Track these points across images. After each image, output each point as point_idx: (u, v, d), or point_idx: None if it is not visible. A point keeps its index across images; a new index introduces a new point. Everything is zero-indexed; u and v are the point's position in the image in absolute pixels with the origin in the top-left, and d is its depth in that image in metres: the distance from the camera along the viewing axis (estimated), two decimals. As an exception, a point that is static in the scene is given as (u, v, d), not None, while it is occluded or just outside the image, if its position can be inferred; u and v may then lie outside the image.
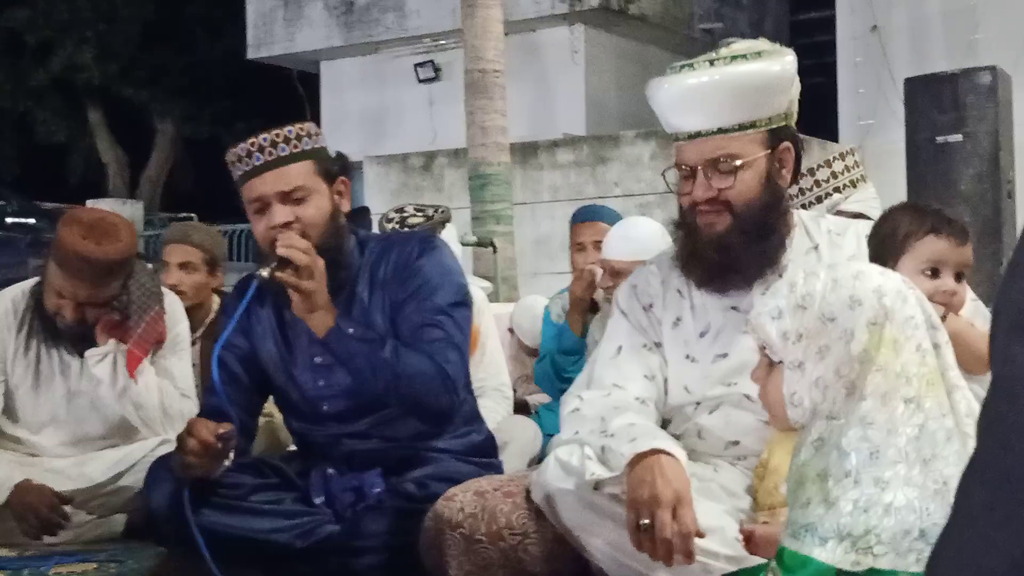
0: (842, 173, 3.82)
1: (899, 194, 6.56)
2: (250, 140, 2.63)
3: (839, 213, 3.62)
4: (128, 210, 14.98)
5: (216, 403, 2.68)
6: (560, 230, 12.17)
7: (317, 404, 2.80)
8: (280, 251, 2.51)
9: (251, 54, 17.12)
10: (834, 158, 3.85)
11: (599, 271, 3.94)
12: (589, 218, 4.39)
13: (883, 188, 4.00)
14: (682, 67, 2.28)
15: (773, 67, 2.25)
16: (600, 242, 4.11)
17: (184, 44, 20.99)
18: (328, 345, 2.61)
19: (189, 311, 4.05)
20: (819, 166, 3.84)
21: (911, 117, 7.30)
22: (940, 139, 7.01)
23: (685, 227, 2.34)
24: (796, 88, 2.33)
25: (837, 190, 3.79)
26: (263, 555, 2.67)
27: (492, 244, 8.38)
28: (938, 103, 7.08)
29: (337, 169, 2.75)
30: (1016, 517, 0.66)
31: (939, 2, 11.97)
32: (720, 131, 2.23)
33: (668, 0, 15.26)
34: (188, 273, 4.04)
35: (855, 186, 3.81)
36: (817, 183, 3.76)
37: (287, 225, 2.61)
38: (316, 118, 16.05)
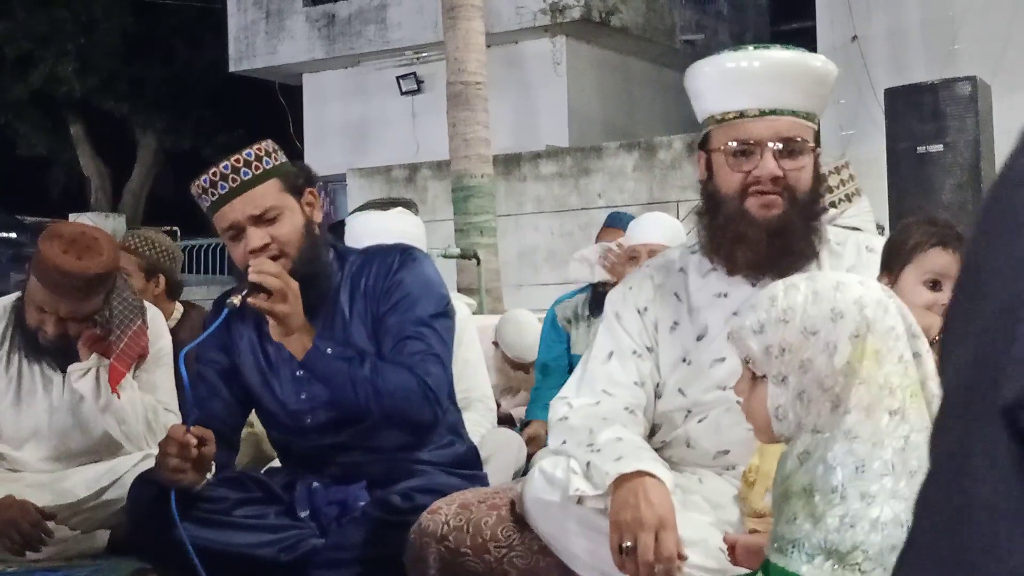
0: (837, 187, 3.81)
1: (880, 204, 6.59)
2: (212, 170, 2.64)
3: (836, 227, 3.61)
4: (110, 223, 14.97)
5: (192, 414, 2.69)
6: (544, 241, 12.21)
7: (300, 417, 2.79)
8: (252, 277, 2.51)
9: (233, 67, 17.12)
10: (829, 172, 3.83)
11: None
12: (610, 224, 4.65)
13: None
14: (756, 47, 2.30)
15: (817, 62, 2.30)
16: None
17: (165, 57, 20.96)
18: (307, 365, 2.62)
19: None
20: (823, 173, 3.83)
21: (892, 127, 7.33)
22: (921, 149, 7.05)
23: (727, 212, 2.28)
24: None
25: (833, 204, 3.77)
26: (247, 570, 2.67)
27: (476, 256, 8.38)
28: (918, 113, 7.12)
29: (303, 181, 2.75)
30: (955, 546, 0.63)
31: (918, 12, 12.04)
32: (793, 113, 2.24)
33: (650, 12, 15.31)
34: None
35: (850, 200, 3.80)
36: None
37: (264, 247, 2.61)
38: (299, 131, 16.08)
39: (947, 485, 0.62)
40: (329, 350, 2.59)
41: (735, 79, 2.27)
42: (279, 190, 2.67)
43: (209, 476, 2.61)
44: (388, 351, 2.67)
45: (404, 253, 2.82)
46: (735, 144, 2.25)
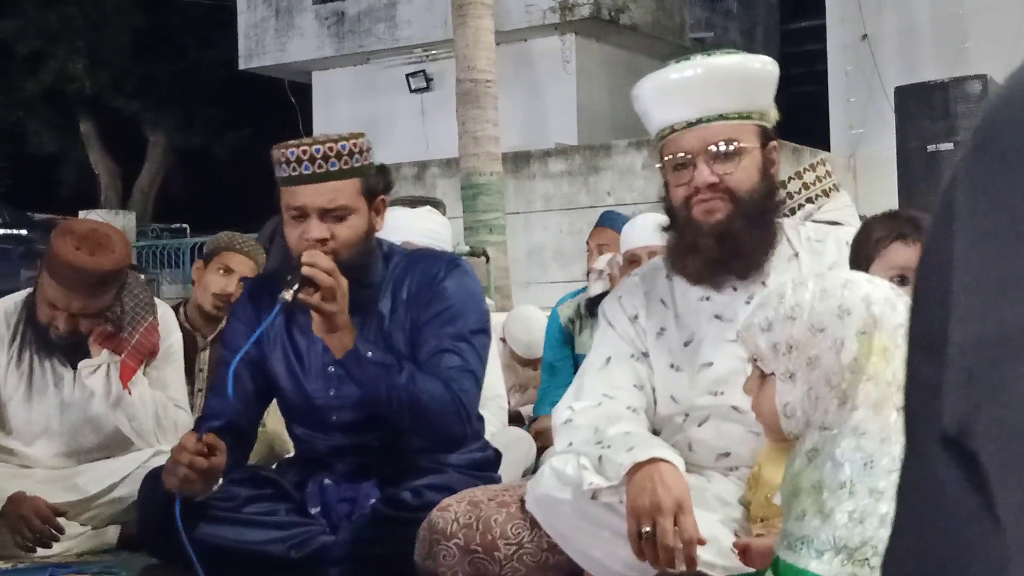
0: (813, 184, 3.83)
1: (891, 202, 6.57)
2: (302, 147, 2.59)
3: (812, 223, 3.62)
4: (120, 220, 14.99)
5: (219, 407, 2.70)
6: (553, 239, 12.21)
7: (325, 413, 2.78)
8: (304, 271, 2.45)
9: (243, 64, 17.13)
10: (805, 169, 3.86)
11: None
12: (600, 223, 4.65)
13: (874, 196, 4.02)
14: (677, 61, 2.32)
15: (755, 63, 2.33)
16: (603, 246, 4.35)
17: (175, 54, 20.98)
18: (345, 365, 2.58)
19: (212, 318, 4.08)
20: (790, 178, 3.85)
21: (902, 125, 7.33)
22: (931, 147, 7.04)
23: (679, 224, 2.33)
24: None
25: (810, 200, 3.79)
26: (257, 566, 2.67)
27: (485, 254, 8.38)
28: (929, 111, 7.11)
29: (381, 188, 2.72)
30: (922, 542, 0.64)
31: (929, 11, 12.00)
32: (721, 117, 2.26)
33: (659, 10, 15.30)
34: (239, 288, 4.07)
35: (828, 195, 3.82)
36: (789, 195, 3.77)
37: (322, 242, 2.58)
38: (308, 128, 16.07)
39: (911, 514, 0.64)
40: (369, 353, 2.55)
41: (660, 96, 2.32)
42: (356, 191, 2.64)
43: (215, 487, 2.61)
44: (424, 361, 2.65)
45: (450, 263, 2.80)
46: (672, 158, 2.29)
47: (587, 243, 4.71)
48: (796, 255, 2.35)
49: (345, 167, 2.61)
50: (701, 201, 2.26)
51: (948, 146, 6.96)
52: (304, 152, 2.58)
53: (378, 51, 15.77)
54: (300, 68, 16.81)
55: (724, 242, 2.26)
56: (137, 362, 3.39)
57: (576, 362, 4.51)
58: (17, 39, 19.79)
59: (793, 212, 3.76)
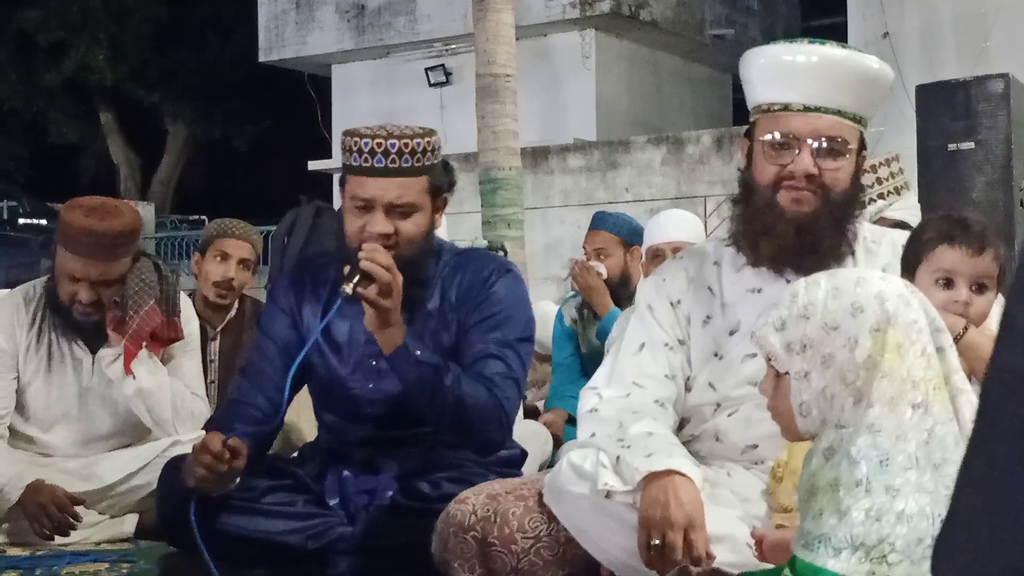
0: (886, 180, 3.78)
1: (910, 201, 6.53)
2: (377, 138, 2.58)
3: (881, 219, 3.56)
4: (140, 211, 15.04)
5: (248, 393, 2.73)
6: (571, 235, 12.21)
7: (361, 404, 2.78)
8: (364, 265, 2.43)
9: (263, 57, 17.18)
10: (879, 163, 3.80)
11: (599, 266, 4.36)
12: (593, 226, 4.61)
13: (894, 195, 3.99)
14: (811, 41, 2.29)
15: (874, 64, 2.30)
16: (599, 250, 4.38)
17: (196, 46, 21.04)
18: (393, 362, 2.57)
19: (219, 308, 4.16)
20: (863, 171, 3.83)
21: (923, 124, 7.27)
22: (952, 146, 6.99)
23: (757, 203, 2.29)
24: None
25: (881, 196, 3.74)
26: (275, 556, 2.68)
27: (503, 248, 8.36)
28: (950, 110, 7.06)
29: (445, 187, 2.72)
30: (997, 523, 0.64)
31: (951, 9, 11.94)
32: (839, 112, 2.24)
33: (679, 6, 15.27)
34: (243, 270, 4.14)
35: (898, 193, 3.77)
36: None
37: (385, 236, 2.57)
38: (327, 121, 16.10)
39: (986, 407, 0.64)
40: (418, 352, 2.54)
41: (784, 71, 2.27)
42: (423, 189, 2.63)
43: (232, 486, 2.62)
44: (468, 364, 2.65)
45: (501, 267, 2.80)
46: (774, 136, 2.25)
47: (583, 247, 4.68)
48: (852, 253, 2.33)
49: (417, 164, 2.60)
50: (792, 188, 2.25)
51: (969, 145, 6.91)
52: (379, 145, 2.58)
53: (398, 45, 15.79)
54: (320, 61, 16.84)
55: (803, 235, 2.25)
56: (137, 345, 3.39)
57: (582, 360, 4.54)
58: (39, 30, 19.86)
59: (863, 207, 3.76)
